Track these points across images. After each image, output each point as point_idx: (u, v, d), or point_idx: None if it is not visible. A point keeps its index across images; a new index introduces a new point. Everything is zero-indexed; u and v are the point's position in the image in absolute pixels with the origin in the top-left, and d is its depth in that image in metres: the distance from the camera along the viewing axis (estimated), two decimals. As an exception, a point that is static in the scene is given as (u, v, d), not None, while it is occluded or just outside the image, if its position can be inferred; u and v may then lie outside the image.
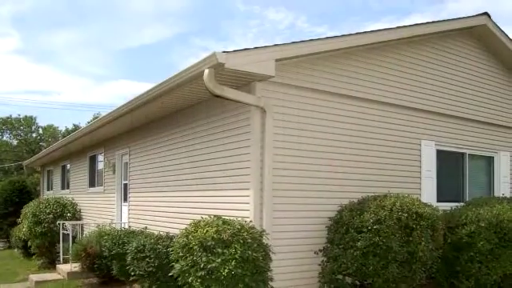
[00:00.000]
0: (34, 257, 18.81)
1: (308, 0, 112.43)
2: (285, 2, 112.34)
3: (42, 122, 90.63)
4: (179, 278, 7.90)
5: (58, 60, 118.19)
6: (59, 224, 16.17)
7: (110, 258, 11.16)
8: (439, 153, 12.91)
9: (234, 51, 8.77)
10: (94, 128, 15.89)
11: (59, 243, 15.75)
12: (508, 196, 13.65)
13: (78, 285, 12.58)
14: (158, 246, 9.40)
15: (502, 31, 13.81)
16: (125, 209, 16.33)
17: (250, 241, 7.72)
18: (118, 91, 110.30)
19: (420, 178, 12.37)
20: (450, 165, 13.37)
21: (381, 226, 9.00)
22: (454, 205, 12.03)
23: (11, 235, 24.11)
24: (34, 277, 14.02)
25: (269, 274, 8.16)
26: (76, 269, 13.10)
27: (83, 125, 51.42)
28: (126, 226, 14.97)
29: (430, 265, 9.86)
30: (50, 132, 71.03)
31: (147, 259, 9.35)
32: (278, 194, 9.66)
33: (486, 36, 13.87)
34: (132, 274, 9.63)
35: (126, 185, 16.33)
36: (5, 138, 72.02)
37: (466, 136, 13.58)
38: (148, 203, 14.24)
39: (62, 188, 25.79)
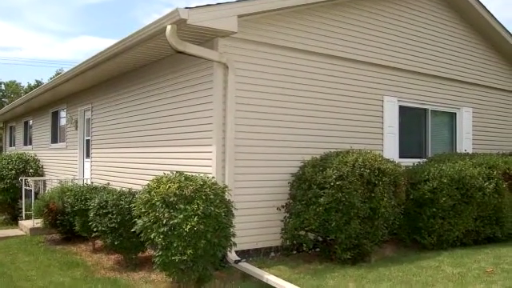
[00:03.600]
0: (-4, 213, 18.67)
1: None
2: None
3: (4, 78, 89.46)
4: (141, 234, 7.87)
5: (20, 16, 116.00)
6: (21, 180, 16.00)
7: (72, 214, 11.08)
8: (402, 109, 12.97)
9: (197, 7, 8.69)
10: (56, 84, 15.70)
11: (21, 199, 15.61)
12: (470, 152, 13.81)
13: (41, 241, 12.51)
14: (121, 202, 9.34)
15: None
16: (87, 165, 16.23)
17: (212, 197, 7.71)
18: (81, 47, 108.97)
19: (382, 134, 12.43)
20: (412, 121, 13.46)
21: (343, 182, 9.04)
22: (416, 161, 12.15)
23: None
24: (-4, 233, 13.94)
25: (231, 229, 8.17)
26: (38, 225, 13.01)
27: (46, 81, 50.90)
28: (89, 182, 14.87)
29: (393, 221, 9.98)
30: (13, 88, 69.84)
31: (109, 215, 9.29)
32: (241, 150, 9.67)
33: (449, -9, 13.91)
34: (94, 230, 9.57)
35: (88, 141, 16.20)
36: (-35, 94, 70.84)
37: (429, 92, 13.65)
38: (110, 159, 14.17)
39: (25, 144, 25.50)
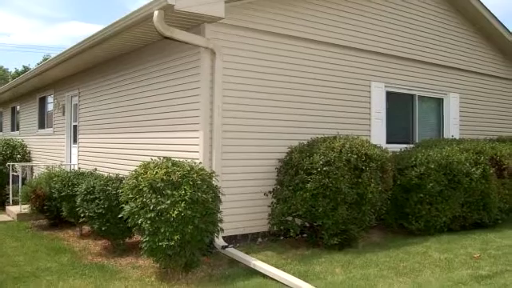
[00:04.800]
0: (-17, 199, 18.59)
1: None
2: None
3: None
4: (129, 220, 7.86)
5: (8, 1, 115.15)
6: (9, 166, 15.92)
7: (59, 200, 11.04)
8: (389, 94, 13.00)
9: (184, -8, 8.65)
10: (43, 69, 15.60)
11: (9, 185, 15.57)
12: (457, 138, 13.86)
13: (28, 226, 12.48)
14: (108, 188, 9.31)
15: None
16: (74, 150, 16.19)
17: (199, 182, 7.70)
18: (69, 33, 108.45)
19: (370, 119, 12.45)
20: (399, 106, 13.49)
21: (330, 167, 9.05)
22: (403, 146, 12.20)
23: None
24: (-17, 218, 13.89)
25: (218, 215, 8.18)
26: (26, 210, 12.96)
27: (33, 66, 50.59)
28: (76, 168, 14.86)
29: (380, 206, 10.00)
30: (0, 74, 69.53)
31: (97, 201, 9.26)
32: (228, 136, 9.67)
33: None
34: (81, 215, 9.54)
35: (75, 126, 16.14)
36: (-47, 80, 70.37)
37: (416, 78, 13.68)
38: (98, 145, 14.15)
39: (12, 130, 25.36)
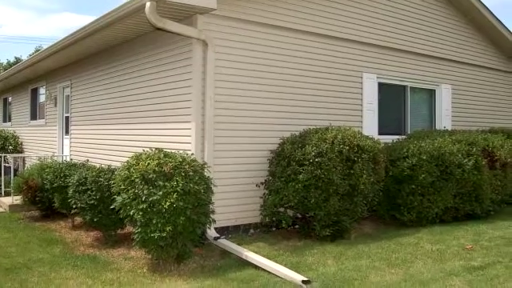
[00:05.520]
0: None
1: None
2: None
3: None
4: (121, 211, 7.87)
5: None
6: (0, 157, 15.88)
7: (51, 191, 11.02)
8: (381, 86, 13.00)
9: (176, -16, 8.64)
10: (35, 61, 15.58)
11: (0, 176, 15.52)
12: (449, 129, 13.88)
13: (20, 217, 12.45)
14: (100, 179, 9.29)
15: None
16: (66, 142, 16.16)
17: (191, 173, 7.70)
18: (61, 24, 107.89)
19: (362, 110, 12.47)
20: (391, 98, 13.49)
21: (322, 158, 9.05)
22: (395, 138, 12.21)
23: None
24: (-25, 210, 13.85)
25: (210, 206, 8.20)
26: (18, 202, 12.93)
27: (25, 58, 50.29)
28: (68, 159, 14.84)
29: (372, 198, 10.01)
30: (-9, 65, 69.23)
31: (89, 192, 9.24)
32: (220, 127, 9.67)
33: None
34: (73, 206, 9.52)
35: (67, 118, 16.12)
36: None
37: (408, 69, 13.69)
38: (90, 136, 14.12)
39: (4, 121, 25.35)
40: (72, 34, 11.75)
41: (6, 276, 7.69)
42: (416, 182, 10.47)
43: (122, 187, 7.80)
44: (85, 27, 11.00)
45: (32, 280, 7.49)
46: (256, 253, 8.40)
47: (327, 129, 9.90)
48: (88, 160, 11.98)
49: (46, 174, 11.19)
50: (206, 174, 8.24)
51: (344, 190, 9.30)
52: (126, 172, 7.83)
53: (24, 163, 17.37)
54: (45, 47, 14.71)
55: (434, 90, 14.67)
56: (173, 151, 8.25)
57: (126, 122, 11.92)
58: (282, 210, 9.71)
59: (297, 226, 10.19)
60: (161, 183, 7.49)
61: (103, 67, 13.28)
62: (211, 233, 9.16)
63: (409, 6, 13.58)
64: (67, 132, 16.13)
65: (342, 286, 6.97)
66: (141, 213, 7.45)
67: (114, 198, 7.98)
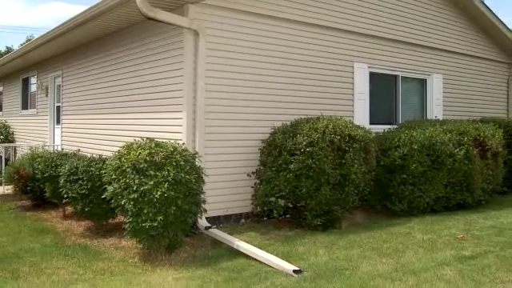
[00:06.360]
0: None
1: None
2: None
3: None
4: (112, 201, 7.87)
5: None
6: (-9, 147, 15.89)
7: (42, 181, 11.00)
8: (372, 75, 12.99)
9: (167, -27, 8.62)
10: (26, 50, 15.55)
11: (-9, 166, 15.51)
12: (441, 118, 13.90)
13: (11, 207, 12.43)
14: (91, 169, 9.28)
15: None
16: (58, 131, 16.13)
17: (182, 163, 7.70)
18: (52, 13, 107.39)
19: (353, 100, 12.45)
20: (382, 87, 13.50)
21: (314, 148, 9.05)
22: (386, 127, 12.18)
23: None
24: (-35, 199, 13.81)
25: (202, 196, 8.20)
26: (9, 191, 12.91)
27: (16, 47, 50.09)
28: (59, 149, 14.79)
29: (363, 187, 10.01)
30: (-18, 55, 69.00)
31: (80, 182, 9.23)
32: (211, 117, 9.67)
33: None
34: (65, 196, 9.51)
35: (58, 107, 16.08)
36: None
37: (399, 58, 13.68)
38: (81, 126, 14.09)
39: (-5, 111, 25.24)
40: (63, 24, 11.72)
41: (-4, 266, 7.70)
42: (407, 172, 10.50)
43: (113, 177, 7.79)
44: (76, 17, 10.97)
45: (23, 270, 7.49)
46: (247, 242, 8.41)
47: (318, 118, 9.90)
48: (79, 150, 11.98)
49: (38, 163, 11.17)
50: (197, 163, 8.25)
51: (335, 179, 9.31)
52: (117, 162, 7.82)
53: (15, 153, 17.36)
54: (36, 37, 14.67)
55: (426, 80, 14.67)
56: (164, 141, 8.23)
57: (118, 111, 11.91)
58: (273, 199, 9.71)
59: (288, 216, 10.19)
60: (152, 173, 7.48)
61: (94, 57, 13.23)
62: (202, 222, 9.16)
63: (401, -5, 13.57)
64: (58, 122, 16.10)
65: (333, 275, 6.98)
66: (132, 202, 7.45)
67: (105, 188, 7.97)
